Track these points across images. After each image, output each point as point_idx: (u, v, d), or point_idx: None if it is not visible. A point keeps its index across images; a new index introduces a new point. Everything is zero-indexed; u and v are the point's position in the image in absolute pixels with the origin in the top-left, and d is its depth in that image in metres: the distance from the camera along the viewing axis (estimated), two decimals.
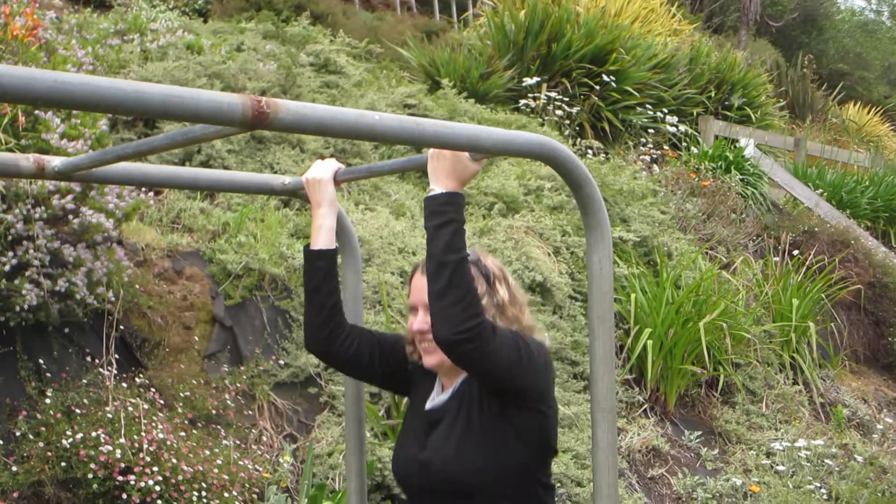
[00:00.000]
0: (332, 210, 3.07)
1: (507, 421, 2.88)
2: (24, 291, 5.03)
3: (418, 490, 3.03)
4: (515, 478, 2.89)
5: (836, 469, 8.20)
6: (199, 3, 13.13)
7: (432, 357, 2.98)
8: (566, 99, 11.24)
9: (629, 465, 7.30)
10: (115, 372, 5.51)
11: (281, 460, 5.76)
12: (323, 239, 3.07)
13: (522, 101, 11.02)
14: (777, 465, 7.95)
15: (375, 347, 3.14)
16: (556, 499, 3.05)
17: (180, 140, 2.18)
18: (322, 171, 3.06)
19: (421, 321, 2.97)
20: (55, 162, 2.56)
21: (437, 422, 2.99)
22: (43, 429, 5.06)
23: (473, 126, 2.34)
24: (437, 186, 2.70)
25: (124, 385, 5.48)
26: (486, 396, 2.90)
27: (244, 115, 1.87)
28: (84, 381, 5.40)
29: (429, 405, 3.05)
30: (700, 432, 8.08)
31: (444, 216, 2.68)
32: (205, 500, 5.05)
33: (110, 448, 4.93)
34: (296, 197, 3.09)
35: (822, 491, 7.85)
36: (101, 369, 5.49)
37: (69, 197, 5.20)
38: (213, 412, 5.72)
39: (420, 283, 2.96)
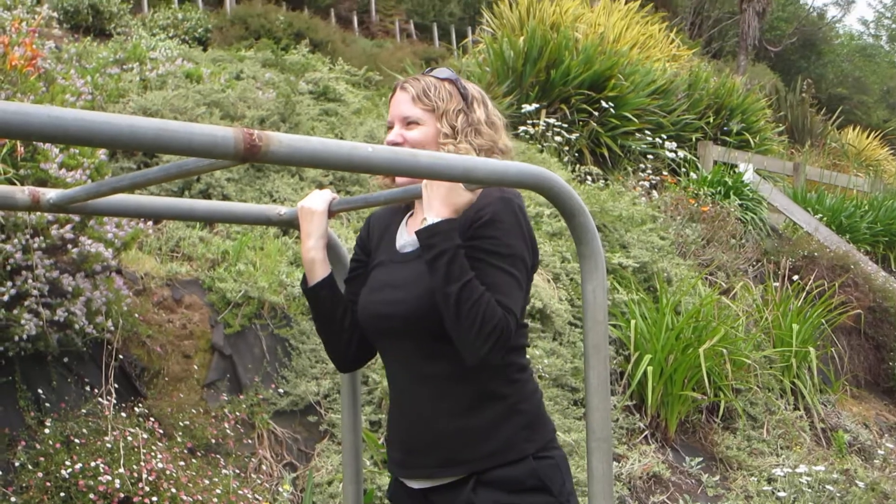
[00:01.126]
0: (320, 243, 3.04)
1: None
2: (22, 321, 5.04)
3: (385, 329, 2.98)
4: None
5: (838, 495, 8.17)
6: (199, 32, 13.22)
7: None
8: (565, 125, 11.28)
9: (630, 492, 7.28)
10: (115, 401, 5.50)
11: (280, 489, 5.75)
12: (319, 271, 3.04)
13: (521, 128, 11.06)
14: (778, 491, 7.93)
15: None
16: (529, 370, 3.01)
17: (174, 172, 2.19)
18: (316, 202, 3.05)
19: (395, 133, 3.00)
20: (51, 194, 2.57)
21: (408, 260, 2.97)
22: (42, 459, 5.05)
23: (467, 157, 2.35)
24: (431, 214, 2.71)
25: (123, 414, 5.47)
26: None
27: (237, 148, 1.88)
28: (83, 410, 5.39)
29: (399, 243, 3.04)
30: (701, 458, 8.07)
31: (434, 249, 2.70)
32: None
33: (109, 478, 4.93)
34: (292, 227, 3.10)
35: None
36: (100, 399, 5.49)
37: (68, 227, 5.21)
38: (213, 441, 5.71)
39: (398, 97, 3.03)
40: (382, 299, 2.96)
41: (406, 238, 3.04)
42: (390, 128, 3.04)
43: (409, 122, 2.98)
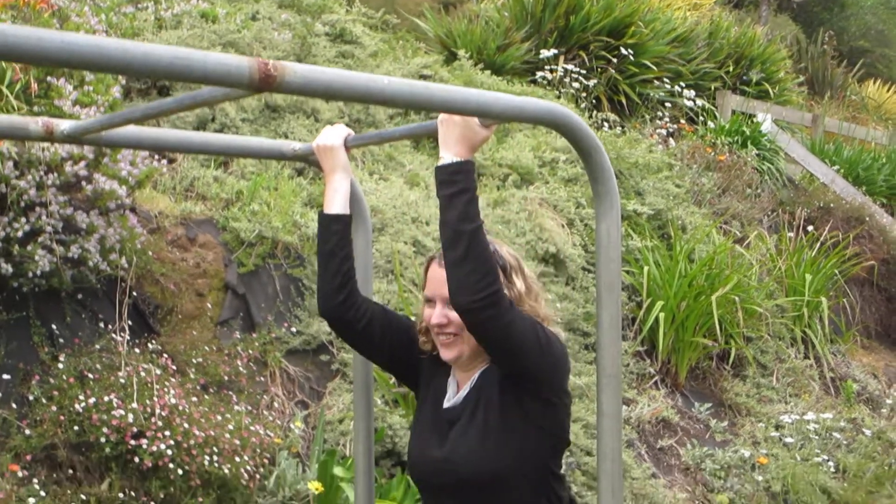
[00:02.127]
0: (345, 176, 3.06)
1: (524, 414, 2.88)
2: (37, 257, 5.06)
3: (436, 487, 3.03)
4: (529, 469, 2.90)
5: (844, 442, 8.21)
6: None
7: (450, 351, 2.96)
8: (583, 72, 11.20)
9: (639, 435, 7.32)
10: (128, 338, 5.53)
11: (292, 426, 5.80)
12: (338, 203, 3.05)
13: (539, 74, 10.99)
14: (785, 437, 7.97)
15: (388, 326, 3.11)
16: (566, 486, 3.06)
17: (188, 103, 2.18)
18: (332, 137, 3.05)
19: (440, 314, 2.93)
20: (64, 125, 2.57)
21: (454, 420, 2.98)
22: (56, 393, 5.09)
23: (483, 91, 2.34)
24: (447, 153, 2.69)
25: (137, 351, 5.51)
26: (503, 391, 2.90)
27: (251, 77, 1.87)
28: (97, 346, 5.43)
29: (447, 404, 3.03)
30: (710, 404, 8.10)
31: (456, 185, 2.67)
32: (216, 465, 5.08)
33: (122, 412, 4.97)
34: (306, 163, 3.09)
35: (830, 464, 7.87)
36: (113, 335, 5.52)
37: (82, 164, 5.21)
38: (225, 378, 5.75)
39: (437, 274, 2.93)
40: (439, 468, 2.99)
41: (451, 397, 3.06)
42: (429, 302, 3.01)
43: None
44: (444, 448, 2.96)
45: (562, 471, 3.04)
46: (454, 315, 2.87)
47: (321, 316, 3.17)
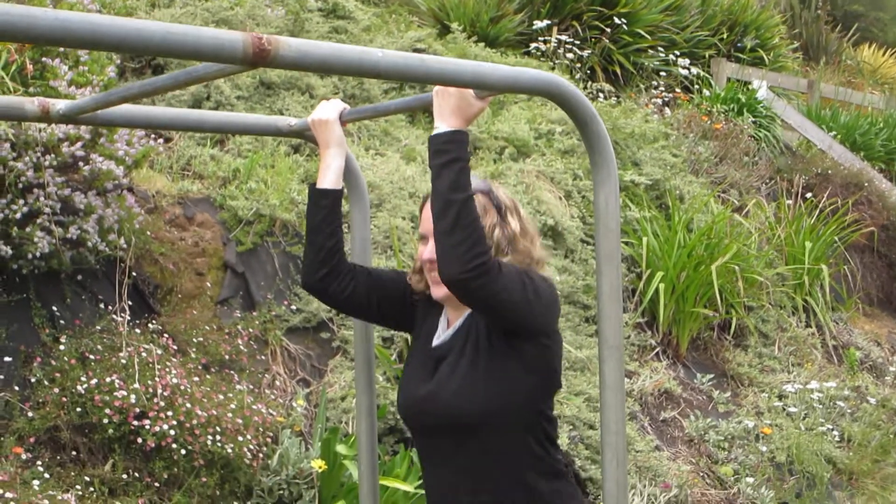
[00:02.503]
0: (340, 151, 3.06)
1: (514, 353, 2.88)
2: (35, 239, 5.05)
3: (424, 427, 3.03)
4: (521, 410, 2.90)
5: (849, 411, 8.23)
6: None
7: (441, 288, 2.95)
8: (577, 42, 11.16)
9: (641, 407, 7.33)
10: (129, 318, 5.53)
11: (294, 404, 5.80)
12: (330, 179, 3.05)
13: (533, 45, 10.95)
14: (789, 407, 7.98)
15: (375, 289, 3.12)
16: (562, 439, 3.07)
17: (183, 79, 2.17)
18: (328, 111, 3.04)
19: (431, 250, 2.92)
20: (59, 105, 2.56)
21: (443, 357, 2.98)
22: (58, 375, 5.09)
23: (478, 63, 2.32)
24: (443, 124, 2.68)
25: (137, 331, 5.50)
26: (493, 330, 2.91)
27: (245, 52, 1.86)
28: (97, 327, 5.43)
29: (436, 341, 3.05)
30: (712, 375, 8.11)
31: (448, 154, 2.67)
32: (219, 444, 5.09)
33: (125, 393, 4.97)
34: (302, 138, 3.08)
35: (834, 433, 7.89)
36: (114, 316, 5.51)
37: (78, 144, 5.20)
38: (227, 357, 5.75)
39: (430, 213, 2.93)
40: (429, 408, 2.98)
41: (441, 334, 3.07)
42: (422, 239, 3.02)
43: None
44: (431, 384, 2.97)
45: (553, 412, 3.04)
46: None
47: (303, 287, 3.18)
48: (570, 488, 3.03)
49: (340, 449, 5.25)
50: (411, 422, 3.11)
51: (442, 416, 2.93)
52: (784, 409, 7.96)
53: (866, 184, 11.21)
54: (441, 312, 3.09)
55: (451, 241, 2.65)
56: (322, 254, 3.06)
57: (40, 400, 5.03)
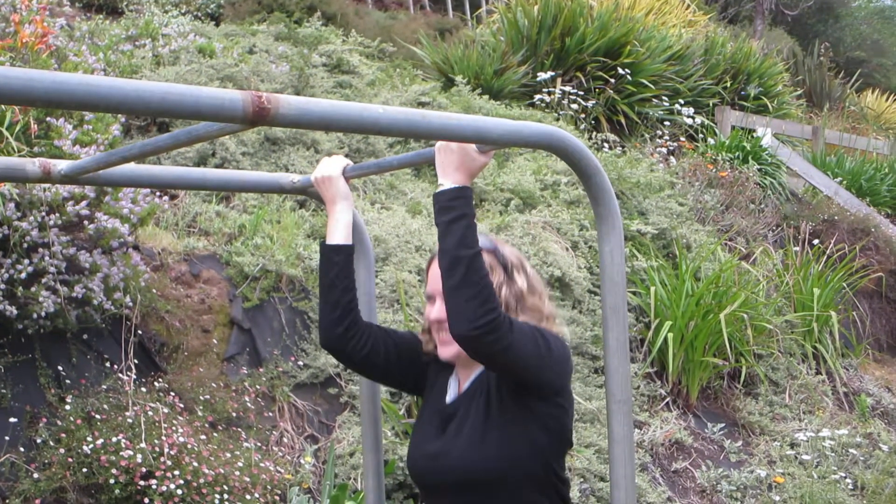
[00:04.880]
0: (347, 205, 3.04)
1: (525, 412, 2.84)
2: (41, 298, 5.04)
3: (433, 486, 2.98)
4: (531, 470, 2.85)
5: (861, 458, 8.14)
6: (212, 7, 13.13)
7: (449, 348, 2.93)
8: (581, 93, 11.19)
9: (652, 458, 7.26)
10: (135, 377, 5.51)
11: (302, 461, 5.76)
12: (340, 234, 3.03)
13: (537, 97, 10.99)
14: (801, 455, 7.90)
15: (392, 348, 3.09)
16: (573, 492, 3.02)
17: (184, 139, 2.16)
18: (330, 168, 3.03)
19: (438, 310, 2.91)
20: (61, 165, 2.55)
21: (452, 415, 2.95)
22: (63, 435, 5.06)
23: (480, 118, 2.31)
24: (446, 180, 2.67)
25: (144, 390, 5.48)
26: (504, 388, 2.87)
27: (245, 111, 1.86)
28: (104, 386, 5.40)
29: (447, 399, 3.01)
30: (723, 424, 8.04)
31: (454, 211, 2.65)
32: (227, 503, 5.04)
33: (131, 453, 4.93)
34: (305, 195, 3.07)
35: (847, 481, 7.80)
36: (120, 374, 5.49)
37: (83, 203, 5.20)
38: (234, 415, 5.71)
39: (437, 272, 2.89)
40: (438, 467, 2.95)
41: (452, 393, 3.04)
42: (429, 299, 3.01)
43: None
44: (440, 442, 2.93)
45: (566, 473, 3.00)
46: None
47: (322, 346, 3.15)
48: None
49: None
50: (419, 479, 3.06)
51: (449, 473, 2.89)
52: (796, 458, 7.89)
53: (873, 229, 11.18)
54: (452, 371, 3.06)
55: (461, 298, 2.63)
56: (338, 310, 3.03)
57: (46, 461, 5.00)
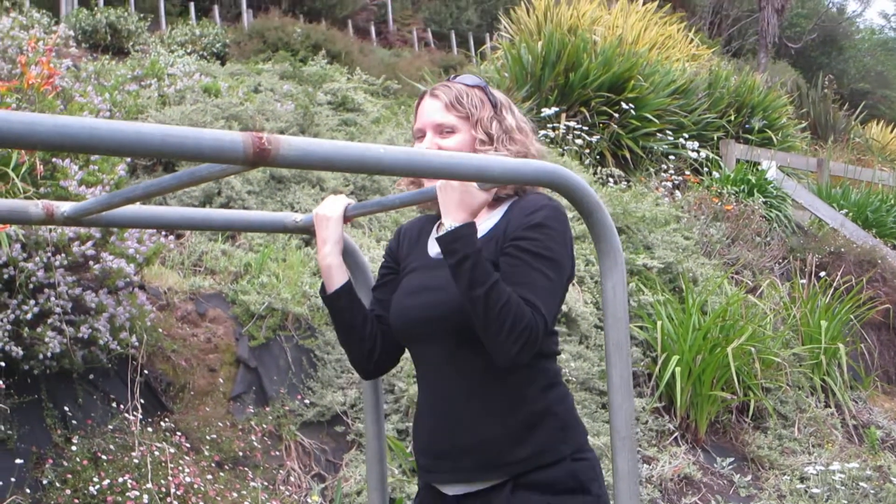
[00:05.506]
0: (337, 248, 3.01)
1: None
2: (46, 339, 5.05)
3: (422, 323, 2.91)
4: None
5: (872, 492, 8.09)
6: (217, 47, 13.25)
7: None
8: (585, 128, 11.23)
9: (661, 494, 7.23)
10: (141, 416, 5.50)
11: (309, 500, 5.74)
12: (335, 279, 3.01)
13: (542, 132, 11.02)
14: (811, 489, 7.86)
15: (387, 331, 3.06)
16: (557, 341, 2.98)
17: (186, 179, 2.17)
18: (332, 208, 3.02)
19: (429, 142, 2.97)
20: (64, 207, 2.56)
21: (440, 264, 2.84)
22: (70, 476, 5.05)
23: (480, 156, 2.33)
24: (448, 219, 2.68)
25: (150, 430, 5.47)
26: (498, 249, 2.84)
27: (246, 152, 1.86)
28: (110, 426, 5.40)
29: (432, 252, 2.99)
30: (732, 459, 8.00)
31: (457, 254, 2.66)
32: None
33: (138, 493, 4.92)
34: (308, 234, 3.07)
35: None
36: (126, 414, 5.49)
37: (89, 243, 5.22)
38: (240, 454, 5.70)
39: (428, 105, 2.99)
40: (421, 303, 2.91)
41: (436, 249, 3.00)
42: (419, 137, 3.01)
43: (443, 130, 2.95)
44: (434, 285, 2.89)
45: (555, 349, 2.97)
46: (446, 143, 2.94)
47: (365, 380, 3.15)
48: (563, 390, 2.96)
49: None
50: (405, 319, 2.96)
51: (443, 306, 2.84)
52: (806, 492, 7.84)
53: (880, 261, 11.17)
54: (432, 229, 3.05)
55: (492, 330, 2.66)
56: (368, 343, 3.02)
57: (52, 502, 4.98)
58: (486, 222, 2.94)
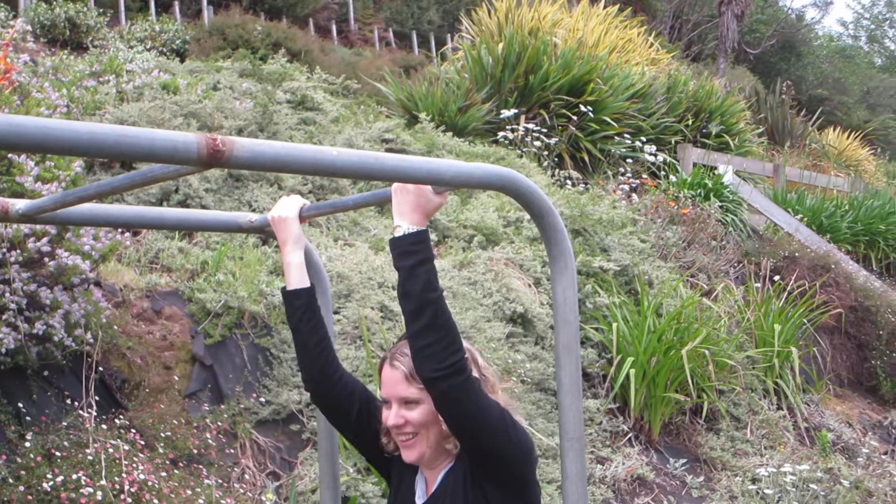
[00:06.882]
0: (297, 247, 3.06)
1: None
2: (1, 335, 5.02)
3: None
4: None
5: (822, 494, 8.19)
6: (177, 44, 13.20)
7: (411, 452, 2.91)
8: (544, 130, 11.29)
9: (615, 494, 7.28)
10: (95, 413, 5.48)
11: (264, 499, 5.74)
12: (295, 277, 3.05)
13: (501, 134, 11.07)
14: (763, 490, 7.94)
15: (370, 410, 3.05)
16: None
17: (139, 180, 2.18)
18: (286, 209, 3.05)
19: (396, 416, 2.89)
20: (19, 205, 2.57)
21: None
22: (23, 472, 5.02)
23: (432, 159, 2.35)
24: (402, 221, 2.69)
25: (104, 427, 5.45)
26: (471, 487, 2.84)
27: (199, 153, 1.88)
28: (64, 423, 5.37)
29: (417, 502, 2.98)
30: (685, 460, 8.08)
31: (417, 255, 2.67)
32: None
33: (91, 490, 4.91)
34: (262, 234, 3.09)
35: None
36: (80, 411, 5.47)
37: (45, 239, 5.20)
38: (195, 451, 5.69)
39: (390, 376, 2.90)
40: None
41: (421, 496, 3.00)
42: (385, 403, 2.95)
43: (408, 401, 2.90)
44: None
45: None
46: (411, 415, 2.87)
47: (305, 389, 3.14)
48: None
49: None
50: None
51: None
52: (758, 493, 7.92)
53: (833, 266, 11.30)
54: (417, 471, 3.03)
55: (428, 340, 2.65)
56: (308, 351, 3.03)
57: (5, 498, 4.95)
58: (431, 487, 2.97)
